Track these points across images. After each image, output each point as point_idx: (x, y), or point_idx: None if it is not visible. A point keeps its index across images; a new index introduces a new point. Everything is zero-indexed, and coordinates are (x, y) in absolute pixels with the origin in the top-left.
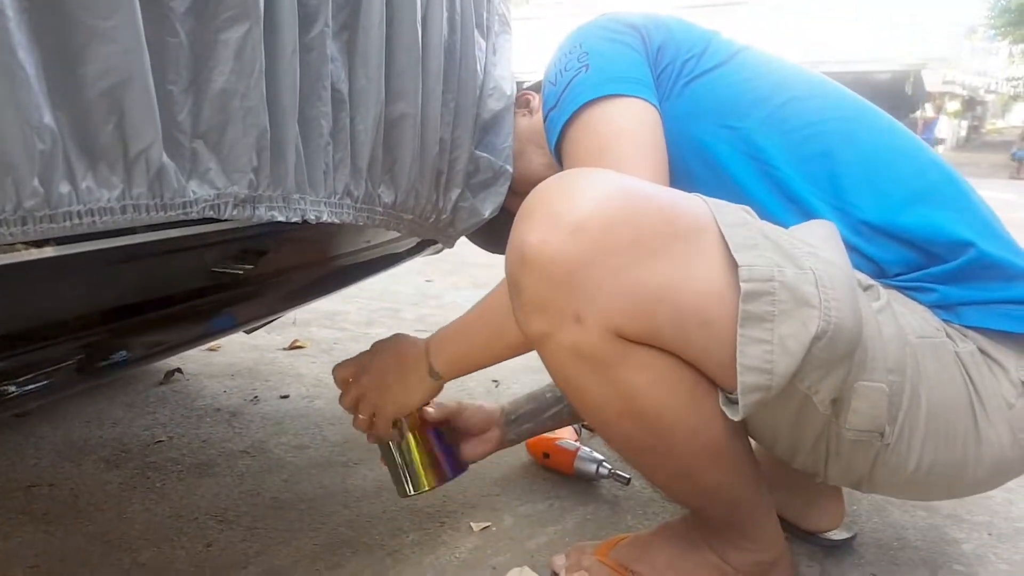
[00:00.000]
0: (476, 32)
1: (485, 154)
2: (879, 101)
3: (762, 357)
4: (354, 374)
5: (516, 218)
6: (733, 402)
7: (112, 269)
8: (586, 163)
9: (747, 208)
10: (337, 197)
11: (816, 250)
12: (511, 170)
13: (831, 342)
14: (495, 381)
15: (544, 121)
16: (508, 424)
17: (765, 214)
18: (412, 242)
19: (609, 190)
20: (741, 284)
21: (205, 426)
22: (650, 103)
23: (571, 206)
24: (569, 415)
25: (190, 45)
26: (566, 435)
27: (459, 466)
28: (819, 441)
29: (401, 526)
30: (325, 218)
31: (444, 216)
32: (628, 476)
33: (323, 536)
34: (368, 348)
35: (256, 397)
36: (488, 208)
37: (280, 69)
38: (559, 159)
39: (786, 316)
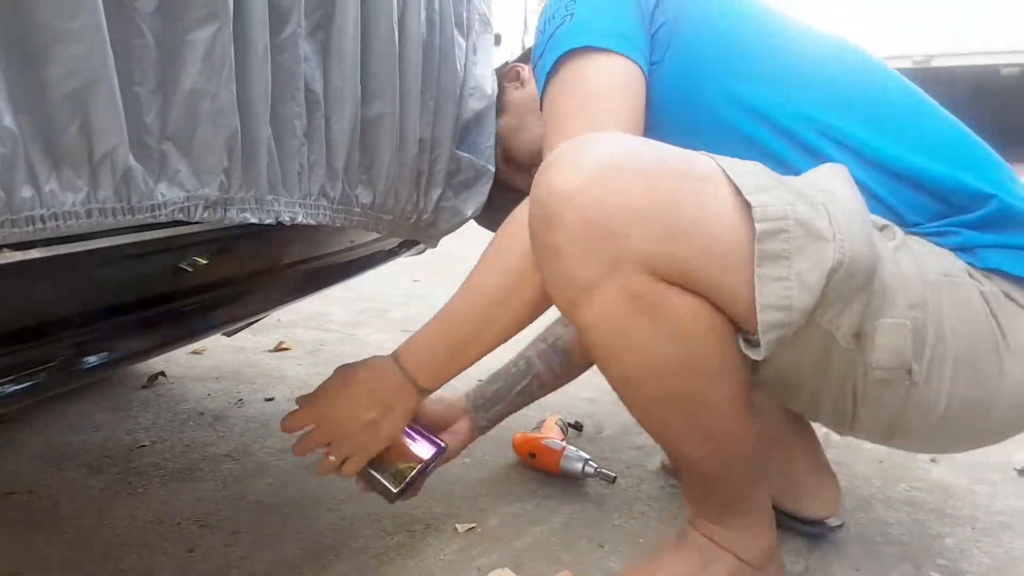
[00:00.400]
0: (456, 31)
1: (467, 154)
2: (1003, 101)
3: (781, 294)
4: (316, 422)
5: (533, 186)
6: (753, 345)
7: (91, 271)
8: (560, 124)
9: (755, 163)
10: (312, 198)
11: (826, 188)
12: (493, 170)
13: (848, 274)
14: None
15: (534, 70)
16: (476, 411)
17: (780, 163)
18: (393, 243)
19: (618, 142)
20: (756, 225)
21: (188, 430)
22: (631, 60)
23: (586, 158)
24: (539, 388)
25: (157, 46)
26: (552, 435)
27: (435, 444)
28: (846, 384)
29: (386, 528)
30: (300, 219)
31: (425, 216)
32: (614, 475)
33: (307, 540)
34: (321, 391)
35: (241, 400)
36: (470, 208)
37: (251, 70)
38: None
39: (801, 252)
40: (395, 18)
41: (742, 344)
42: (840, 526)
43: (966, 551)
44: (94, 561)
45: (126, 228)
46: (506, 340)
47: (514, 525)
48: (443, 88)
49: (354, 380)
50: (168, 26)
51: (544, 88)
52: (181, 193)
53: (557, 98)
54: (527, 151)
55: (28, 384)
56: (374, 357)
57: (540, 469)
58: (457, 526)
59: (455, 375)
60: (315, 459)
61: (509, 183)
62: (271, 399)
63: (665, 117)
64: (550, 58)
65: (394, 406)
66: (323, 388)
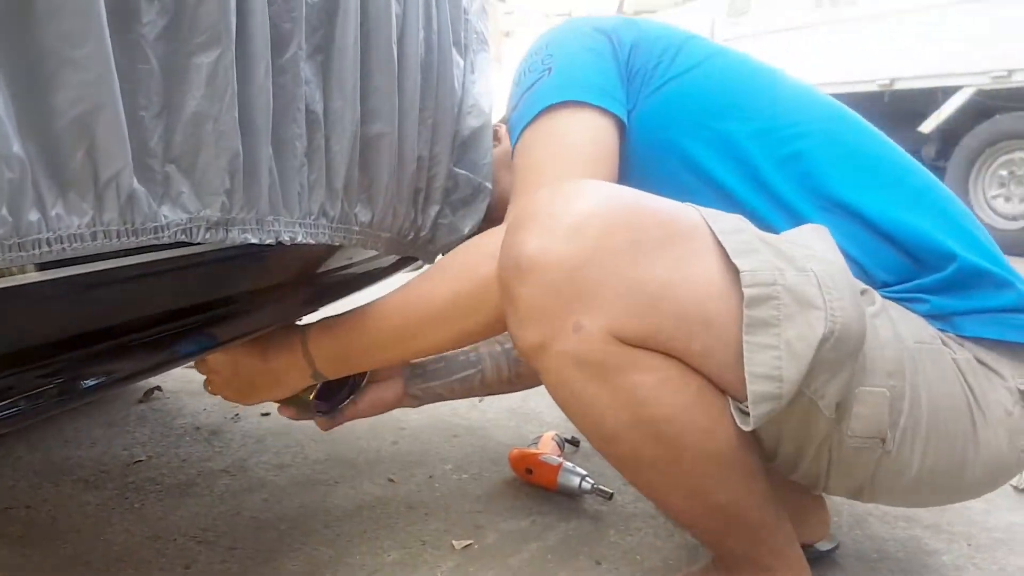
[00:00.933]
0: (453, 50)
1: (464, 171)
2: None
3: (770, 364)
4: (216, 371)
5: (508, 229)
6: (742, 411)
7: (90, 292)
8: (535, 174)
9: (740, 217)
10: (312, 218)
11: (813, 252)
12: (490, 187)
13: (838, 342)
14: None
15: (508, 122)
16: (412, 377)
17: (754, 218)
18: (391, 259)
19: (601, 196)
20: (744, 290)
21: (185, 445)
22: (612, 114)
23: (565, 212)
24: (480, 385)
25: (162, 71)
26: (549, 451)
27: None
28: (822, 449)
29: (382, 545)
30: (300, 239)
31: (423, 234)
32: (611, 491)
33: (303, 556)
34: (236, 347)
35: (237, 415)
36: (468, 225)
37: (253, 92)
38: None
39: (791, 320)
40: (394, 39)
41: (733, 412)
42: (833, 549)
43: (962, 568)
44: None
45: (128, 250)
46: (418, 358)
47: (511, 542)
48: (441, 107)
49: (259, 345)
50: (172, 51)
51: (518, 139)
52: (184, 215)
53: (532, 150)
54: (499, 201)
55: (26, 406)
56: (291, 327)
57: (537, 485)
58: (454, 543)
59: (353, 372)
60: (309, 475)
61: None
62: (267, 414)
63: (637, 163)
64: (530, 111)
65: (282, 381)
66: (239, 346)
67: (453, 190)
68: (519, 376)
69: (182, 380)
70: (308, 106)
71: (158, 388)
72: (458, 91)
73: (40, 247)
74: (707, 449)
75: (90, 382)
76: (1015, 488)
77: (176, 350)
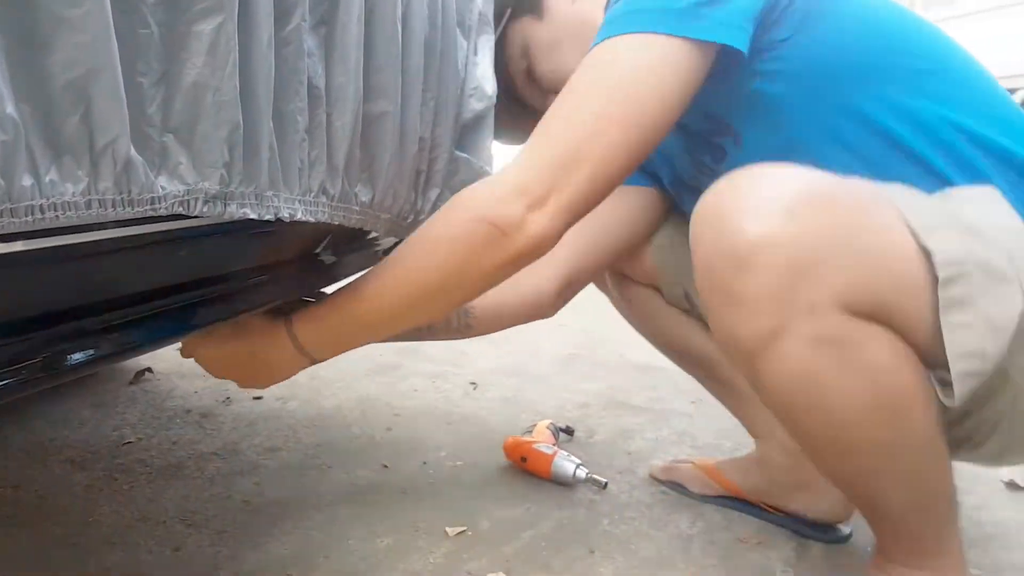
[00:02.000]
0: (457, 31)
1: (465, 155)
2: None
3: (974, 342)
4: (206, 359)
5: (702, 223)
6: (944, 385)
7: (81, 264)
8: (570, 108)
9: (910, 188)
10: (312, 195)
11: (995, 220)
12: (491, 172)
13: None
14: (473, 384)
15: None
16: None
17: (924, 170)
18: (389, 243)
19: (793, 175)
20: (938, 272)
21: (175, 427)
22: (701, 42)
23: (772, 195)
24: (427, 331)
25: (162, 37)
26: (544, 439)
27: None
28: (993, 415)
29: (375, 530)
30: (299, 216)
31: (423, 216)
32: (605, 480)
33: (295, 541)
34: (216, 335)
35: (228, 398)
36: None
37: (255, 63)
38: None
39: (984, 295)
40: (398, 16)
41: (936, 384)
42: (849, 535)
43: None
44: (79, 559)
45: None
46: (408, 329)
47: (504, 529)
48: (444, 88)
49: (242, 332)
50: (173, 16)
51: (596, 42)
52: (181, 186)
53: (582, 75)
54: (551, 75)
55: (9, 381)
56: (272, 323)
57: (531, 473)
58: (447, 529)
59: (344, 352)
60: (301, 460)
61: (523, 98)
62: (259, 398)
63: (786, 102)
64: (617, 25)
65: (276, 367)
66: (221, 332)
67: (454, 173)
68: (468, 325)
69: (174, 362)
70: (310, 80)
71: (149, 370)
72: (461, 73)
73: (33, 213)
74: (929, 429)
75: (78, 357)
76: (1006, 484)
77: (163, 328)
